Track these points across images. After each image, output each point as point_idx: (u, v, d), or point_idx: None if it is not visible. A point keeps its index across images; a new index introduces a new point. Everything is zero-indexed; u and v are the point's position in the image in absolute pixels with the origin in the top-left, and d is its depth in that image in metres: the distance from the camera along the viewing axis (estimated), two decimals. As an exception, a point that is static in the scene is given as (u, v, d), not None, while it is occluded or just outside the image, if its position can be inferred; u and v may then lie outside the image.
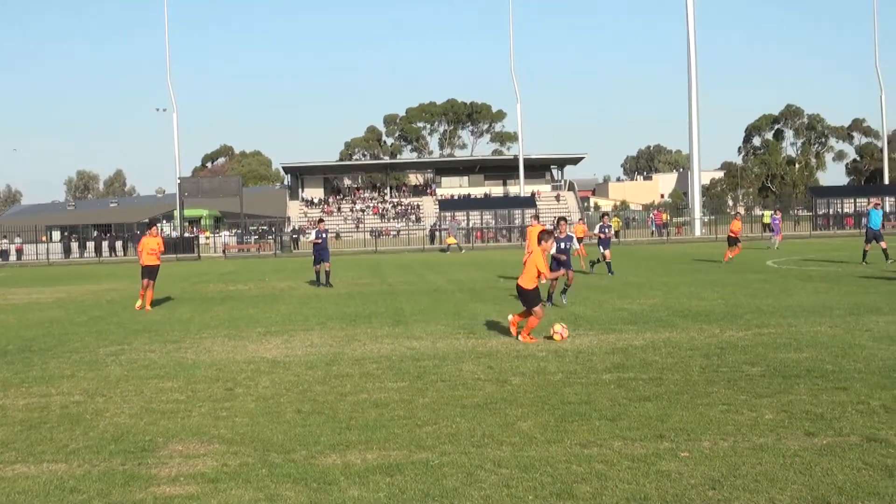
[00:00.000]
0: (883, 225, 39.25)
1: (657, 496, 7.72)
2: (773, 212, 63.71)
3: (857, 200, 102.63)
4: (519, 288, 17.67)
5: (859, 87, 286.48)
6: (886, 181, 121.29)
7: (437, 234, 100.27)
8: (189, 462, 9.25)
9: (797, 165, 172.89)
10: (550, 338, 16.86)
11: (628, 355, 14.95)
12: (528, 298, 17.39)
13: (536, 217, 35.56)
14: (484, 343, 17.00)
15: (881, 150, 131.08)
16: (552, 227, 26.39)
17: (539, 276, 17.43)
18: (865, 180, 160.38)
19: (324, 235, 35.06)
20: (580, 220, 70.05)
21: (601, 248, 34.76)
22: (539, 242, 17.77)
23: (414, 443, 9.64)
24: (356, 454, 9.29)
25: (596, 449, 9.16)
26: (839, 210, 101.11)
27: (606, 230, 34.81)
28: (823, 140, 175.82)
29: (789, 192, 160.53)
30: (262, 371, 14.70)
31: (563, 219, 26.47)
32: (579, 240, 37.22)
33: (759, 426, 9.85)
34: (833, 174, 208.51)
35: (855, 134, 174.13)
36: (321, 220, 35.93)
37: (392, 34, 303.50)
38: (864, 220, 45.54)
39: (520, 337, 17.15)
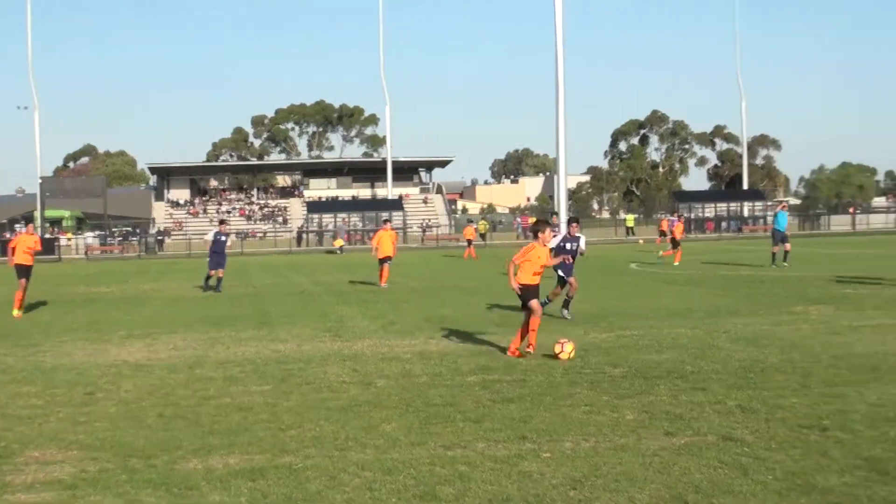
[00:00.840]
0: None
1: (519, 497, 7.78)
2: (674, 216, 64.66)
3: (718, 205, 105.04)
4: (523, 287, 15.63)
5: (721, 95, 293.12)
6: (746, 186, 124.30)
7: (305, 236, 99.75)
8: (46, 469, 9.03)
9: (661, 170, 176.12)
10: (556, 356, 14.72)
11: (493, 357, 15.06)
12: (529, 291, 15.54)
13: (387, 221, 35.79)
14: (349, 346, 16.96)
15: (741, 156, 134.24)
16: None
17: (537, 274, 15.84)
18: (726, 185, 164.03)
19: (223, 238, 32.42)
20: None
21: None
22: (536, 236, 15.97)
23: (277, 446, 9.57)
24: (218, 459, 9.18)
25: (460, 451, 9.20)
26: (701, 214, 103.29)
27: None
28: (687, 146, 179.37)
29: (653, 196, 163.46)
30: (124, 375, 14.43)
31: (576, 220, 23.89)
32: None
33: (620, 426, 10.00)
34: (695, 179, 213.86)
35: (716, 140, 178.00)
36: (222, 222, 33.96)
37: (261, 34, 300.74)
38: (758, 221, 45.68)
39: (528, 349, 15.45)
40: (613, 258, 49.56)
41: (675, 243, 42.21)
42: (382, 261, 32.20)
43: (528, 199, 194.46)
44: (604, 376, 13.05)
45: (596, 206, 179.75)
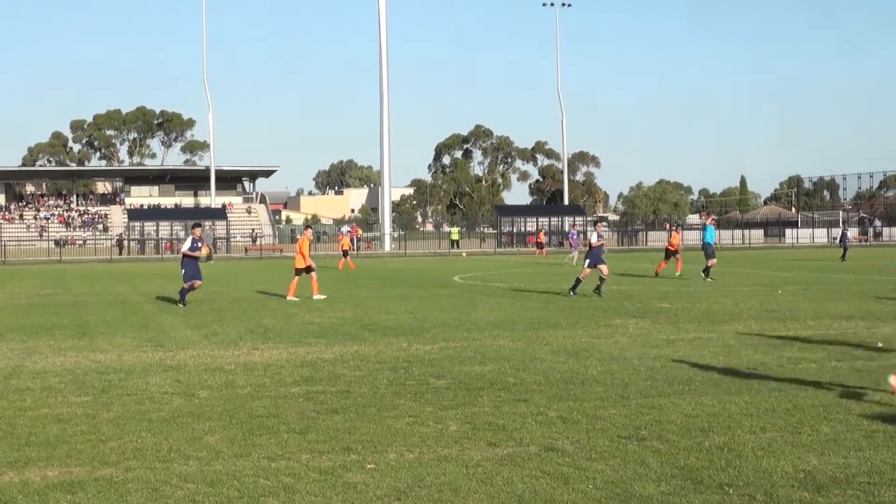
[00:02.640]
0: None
1: (344, 508, 7.79)
2: (570, 226, 65.26)
3: (539, 219, 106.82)
4: None
5: (543, 112, 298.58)
6: (566, 201, 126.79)
7: (126, 243, 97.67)
8: None
9: (484, 184, 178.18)
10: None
11: (317, 368, 15.01)
12: None
13: (308, 227, 34.66)
14: (172, 356, 16.69)
15: (562, 172, 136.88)
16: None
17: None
18: (547, 200, 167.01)
19: (199, 245, 29.18)
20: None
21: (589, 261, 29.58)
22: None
23: (97, 459, 9.35)
24: (35, 471, 8.92)
25: (284, 462, 9.15)
26: (522, 228, 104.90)
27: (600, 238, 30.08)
28: (510, 160, 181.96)
29: (476, 210, 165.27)
30: (-67, 385, 13.89)
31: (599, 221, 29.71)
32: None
33: (444, 437, 10.08)
34: (517, 193, 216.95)
35: (538, 155, 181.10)
36: (197, 225, 30.57)
37: (81, 35, 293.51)
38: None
39: None
40: (437, 270, 49.94)
41: (668, 254, 41.13)
42: (300, 271, 30.47)
43: (353, 211, 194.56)
44: (427, 388, 13.14)
45: (420, 219, 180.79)
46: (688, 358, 15.68)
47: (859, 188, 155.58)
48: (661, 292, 30.70)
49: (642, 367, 14.78)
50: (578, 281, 28.82)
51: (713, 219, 42.19)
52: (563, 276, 41.93)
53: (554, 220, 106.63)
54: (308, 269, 30.17)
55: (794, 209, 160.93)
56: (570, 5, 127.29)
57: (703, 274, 37.46)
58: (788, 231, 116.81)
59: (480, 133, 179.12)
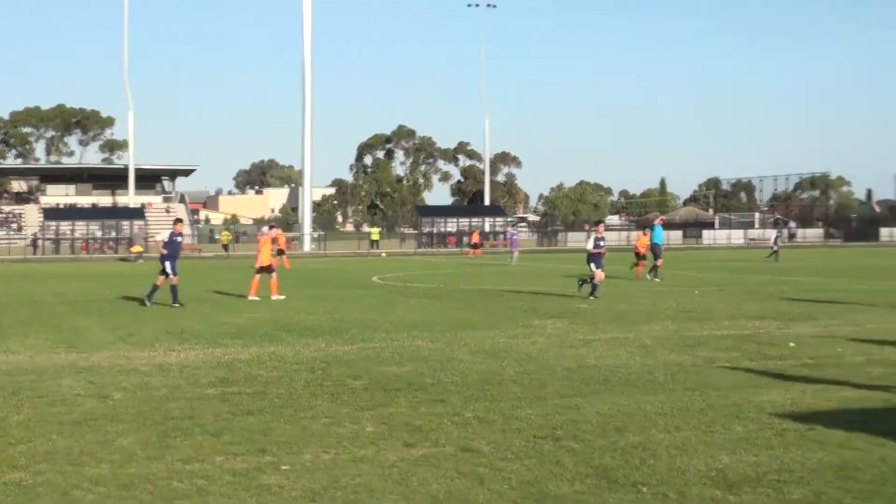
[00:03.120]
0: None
1: (258, 510, 7.73)
2: (511, 227, 65.03)
3: (460, 220, 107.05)
4: None
5: (466, 112, 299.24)
6: (487, 202, 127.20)
7: (41, 243, 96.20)
8: None
9: (406, 184, 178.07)
10: None
11: (233, 369, 14.89)
12: None
13: (273, 227, 33.92)
14: (85, 358, 16.45)
15: (483, 173, 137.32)
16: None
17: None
18: (468, 201, 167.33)
19: (179, 239, 28.74)
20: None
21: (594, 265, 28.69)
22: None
23: (6, 462, 9.19)
24: (-59, 476, 8.74)
25: (198, 464, 9.06)
26: (443, 229, 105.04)
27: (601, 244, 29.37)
28: (431, 161, 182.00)
29: (397, 211, 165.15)
30: None
31: (601, 221, 30.99)
32: None
33: (360, 438, 10.05)
34: (439, 194, 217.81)
35: (460, 156, 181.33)
36: (179, 221, 29.96)
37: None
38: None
39: None
40: (356, 271, 49.84)
41: (638, 256, 40.55)
42: (261, 270, 29.85)
43: (273, 211, 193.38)
44: (345, 388, 13.09)
45: (340, 219, 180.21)
46: (605, 358, 15.80)
47: (775, 190, 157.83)
48: (579, 294, 30.85)
49: (559, 367, 14.86)
50: (595, 286, 28.54)
51: (662, 219, 42.58)
52: (487, 277, 42.10)
53: (475, 220, 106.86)
54: (269, 269, 29.79)
55: (711, 210, 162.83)
56: (495, 6, 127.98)
57: (648, 275, 37.95)
58: (706, 232, 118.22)
59: (403, 133, 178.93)
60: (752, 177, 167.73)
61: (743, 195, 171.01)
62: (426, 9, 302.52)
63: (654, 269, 37.97)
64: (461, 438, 10.02)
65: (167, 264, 27.69)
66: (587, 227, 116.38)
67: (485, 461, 9.10)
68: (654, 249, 38.28)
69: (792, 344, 17.27)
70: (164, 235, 28.05)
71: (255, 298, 28.76)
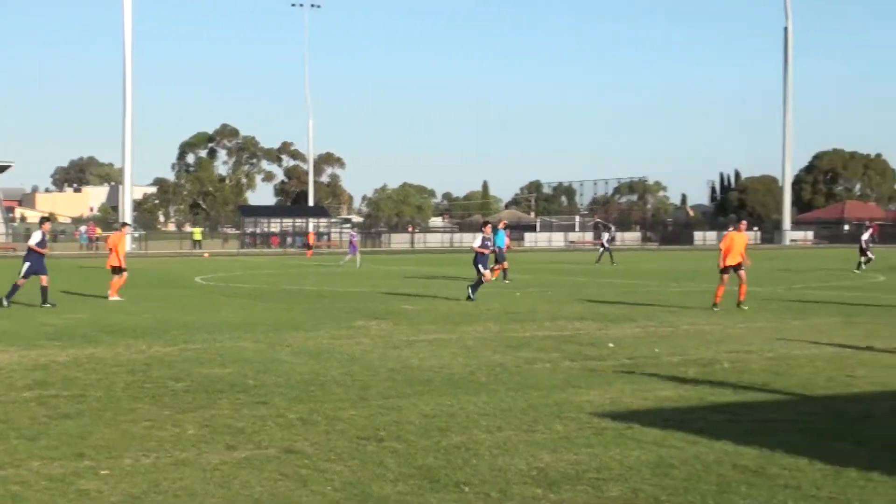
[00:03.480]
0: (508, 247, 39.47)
1: (75, 516, 7.55)
2: (350, 228, 64.21)
3: (284, 220, 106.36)
4: None
5: (290, 112, 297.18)
6: (311, 203, 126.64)
7: None
8: None
9: (228, 184, 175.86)
10: None
11: (50, 372, 14.49)
12: None
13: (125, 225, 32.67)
14: None
15: (307, 173, 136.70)
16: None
17: None
18: (292, 201, 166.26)
19: (47, 239, 27.33)
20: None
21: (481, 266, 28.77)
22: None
23: None
24: None
25: (13, 470, 8.78)
26: (266, 229, 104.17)
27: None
28: (255, 161, 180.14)
29: (220, 210, 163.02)
30: None
31: (488, 223, 31.43)
32: None
33: (182, 441, 9.90)
34: (262, 194, 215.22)
35: (284, 156, 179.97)
36: (46, 220, 28.47)
37: None
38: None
39: None
40: (179, 271, 49.06)
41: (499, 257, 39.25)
42: (116, 270, 28.89)
43: (92, 209, 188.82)
44: (166, 391, 12.88)
45: (162, 219, 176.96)
46: (428, 359, 15.91)
47: (595, 194, 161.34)
48: (403, 294, 31.03)
49: (383, 368, 14.90)
50: (477, 286, 28.45)
51: (505, 223, 43.11)
52: (312, 278, 41.94)
53: (299, 221, 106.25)
54: (120, 270, 28.91)
55: (533, 214, 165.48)
56: (319, 6, 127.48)
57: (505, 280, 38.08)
58: (528, 235, 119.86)
59: (226, 132, 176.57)
60: (573, 181, 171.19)
61: (564, 199, 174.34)
62: (250, 6, 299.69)
63: (505, 272, 38.40)
64: (284, 440, 9.96)
65: (26, 266, 26.41)
66: (411, 229, 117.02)
67: (308, 463, 9.06)
68: (497, 253, 38.75)
69: (611, 345, 17.68)
70: (37, 237, 26.87)
71: (118, 298, 28.11)
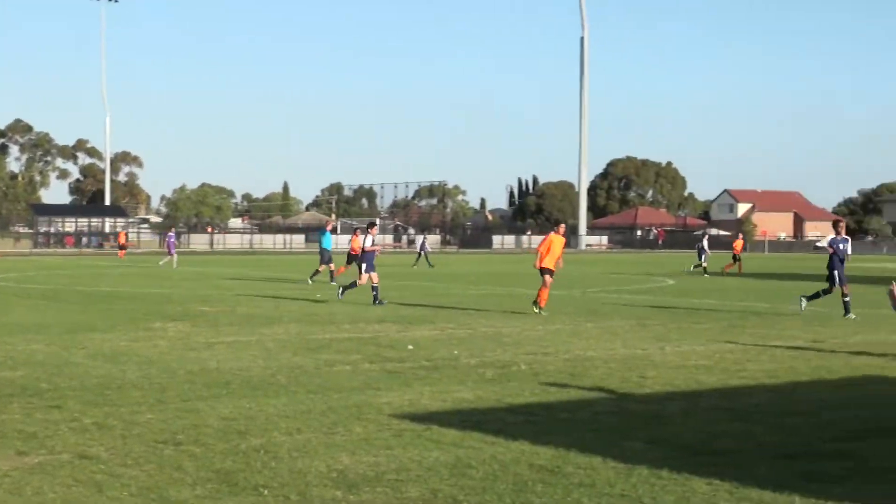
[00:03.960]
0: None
1: None
2: (171, 231, 62.19)
3: (79, 220, 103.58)
4: None
5: (86, 110, 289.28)
6: (108, 202, 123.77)
7: None
8: None
9: (21, 181, 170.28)
10: None
11: None
12: None
13: None
14: None
15: (104, 172, 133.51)
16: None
17: None
18: (88, 200, 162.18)
19: None
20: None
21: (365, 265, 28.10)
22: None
23: None
24: None
25: None
26: (61, 229, 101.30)
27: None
28: (49, 158, 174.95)
29: (12, 209, 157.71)
30: None
31: (374, 224, 30.38)
32: None
33: (-31, 447, 9.57)
34: (57, 192, 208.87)
35: (79, 154, 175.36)
36: None
37: None
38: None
39: None
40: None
41: (350, 258, 38.82)
42: None
43: None
44: (-49, 395, 12.41)
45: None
46: (227, 361, 15.76)
47: (396, 197, 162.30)
48: (202, 296, 30.65)
49: (181, 370, 14.69)
50: (354, 284, 27.90)
51: (332, 225, 42.84)
52: (109, 279, 40.96)
53: (95, 220, 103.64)
54: None
55: (334, 216, 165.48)
56: (117, 1, 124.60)
57: (311, 280, 37.97)
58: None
59: (19, 128, 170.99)
60: (374, 183, 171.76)
61: (365, 201, 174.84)
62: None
63: (316, 272, 38.46)
64: (78, 445, 9.72)
65: None
66: (210, 230, 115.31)
67: (103, 468, 8.87)
68: (325, 254, 38.69)
69: (410, 347, 17.83)
70: None
71: None
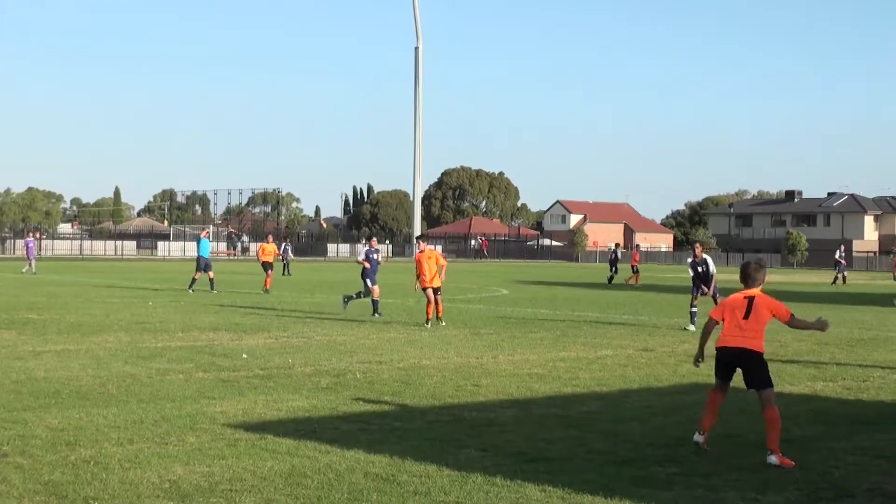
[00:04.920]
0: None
1: None
2: (29, 237, 59.73)
3: None
4: None
5: None
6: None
7: None
8: None
9: None
10: None
11: None
12: None
13: None
14: None
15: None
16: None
17: None
18: None
19: None
20: None
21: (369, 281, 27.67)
22: None
23: None
24: None
25: None
26: None
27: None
28: None
29: None
30: None
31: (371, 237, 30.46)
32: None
33: None
34: None
35: None
36: None
37: None
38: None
39: None
40: None
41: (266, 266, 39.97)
42: None
43: None
44: None
45: None
46: (55, 370, 15.39)
47: (229, 203, 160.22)
48: (29, 303, 29.81)
49: (7, 380, 14.29)
50: (368, 297, 27.34)
51: (207, 232, 42.19)
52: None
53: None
54: None
55: (166, 222, 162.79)
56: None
57: (191, 289, 37.11)
58: (161, 243, 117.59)
59: None
60: (207, 190, 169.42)
61: (198, 208, 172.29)
62: None
63: (193, 281, 37.65)
64: None
65: None
66: (38, 235, 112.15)
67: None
68: (202, 261, 37.93)
69: (245, 355, 17.67)
70: None
71: None
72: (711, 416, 10.68)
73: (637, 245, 66.79)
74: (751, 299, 10.39)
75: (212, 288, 37.39)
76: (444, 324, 24.54)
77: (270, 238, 44.41)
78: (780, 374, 16.74)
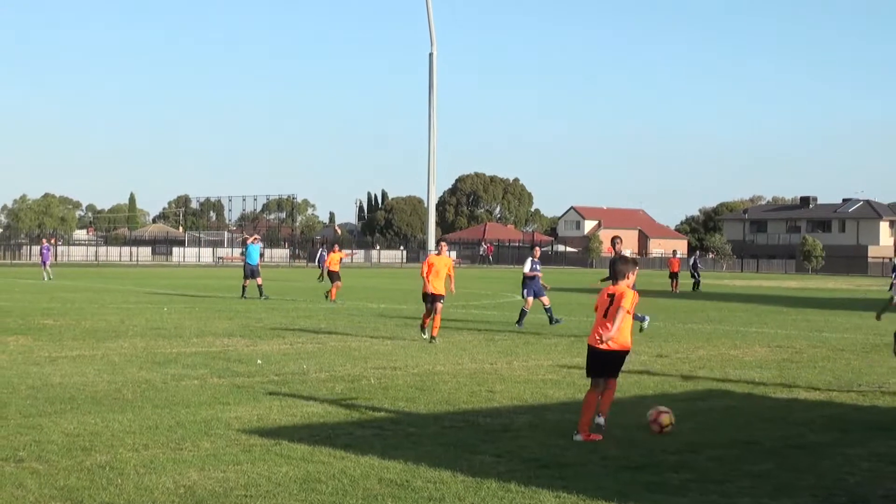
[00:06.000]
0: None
1: None
2: (45, 243, 60.00)
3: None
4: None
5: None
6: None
7: None
8: None
9: None
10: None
11: None
12: None
13: None
14: None
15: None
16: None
17: None
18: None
19: None
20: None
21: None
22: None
23: None
24: None
25: None
26: None
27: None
28: None
29: None
30: None
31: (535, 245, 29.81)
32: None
33: None
34: None
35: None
36: None
37: None
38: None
39: None
40: None
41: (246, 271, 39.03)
42: None
43: None
44: None
45: None
46: (71, 376, 15.43)
47: (244, 210, 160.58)
48: (44, 308, 29.90)
49: (23, 385, 14.33)
50: (524, 312, 26.68)
51: (256, 237, 41.88)
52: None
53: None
54: None
55: (181, 228, 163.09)
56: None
57: (244, 297, 37.00)
58: (176, 249, 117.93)
59: None
60: (222, 196, 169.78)
61: (213, 214, 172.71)
62: None
63: (244, 289, 37.40)
64: None
65: None
66: (54, 241, 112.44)
67: None
68: (248, 268, 37.77)
69: (259, 361, 17.70)
70: None
71: None
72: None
73: (674, 251, 65.87)
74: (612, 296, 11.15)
75: (260, 295, 36.69)
76: (437, 342, 21.77)
77: (337, 247, 42.20)
78: (796, 380, 16.76)
